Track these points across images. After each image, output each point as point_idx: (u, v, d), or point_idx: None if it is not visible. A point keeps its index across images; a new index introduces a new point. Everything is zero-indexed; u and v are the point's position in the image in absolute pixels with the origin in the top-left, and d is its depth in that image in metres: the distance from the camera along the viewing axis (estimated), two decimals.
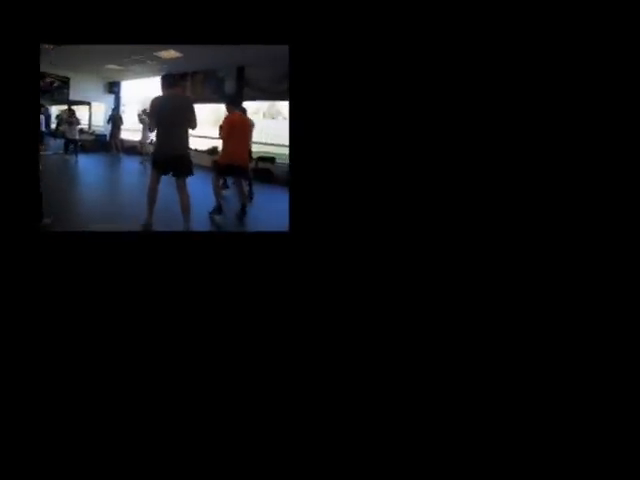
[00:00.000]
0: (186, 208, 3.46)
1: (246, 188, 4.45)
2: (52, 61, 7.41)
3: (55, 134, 9.22)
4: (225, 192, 4.91)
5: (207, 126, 5.27)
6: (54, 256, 2.33)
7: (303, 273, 2.37)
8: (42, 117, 8.52)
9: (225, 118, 4.42)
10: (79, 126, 8.46)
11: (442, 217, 2.35)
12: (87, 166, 7.62)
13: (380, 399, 2.33)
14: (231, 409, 2.32)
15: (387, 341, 2.35)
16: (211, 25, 2.33)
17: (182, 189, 3.52)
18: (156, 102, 3.62)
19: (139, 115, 8.26)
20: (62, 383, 2.29)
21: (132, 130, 9.65)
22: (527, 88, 2.30)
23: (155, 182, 3.56)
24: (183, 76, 3.69)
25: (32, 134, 2.39)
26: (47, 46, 6.88)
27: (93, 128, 11.11)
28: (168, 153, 3.53)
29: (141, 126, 8.29)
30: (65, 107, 8.51)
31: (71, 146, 8.04)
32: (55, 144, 9.13)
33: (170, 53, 6.43)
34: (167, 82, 3.78)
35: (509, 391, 2.31)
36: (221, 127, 4.42)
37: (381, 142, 2.39)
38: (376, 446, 2.28)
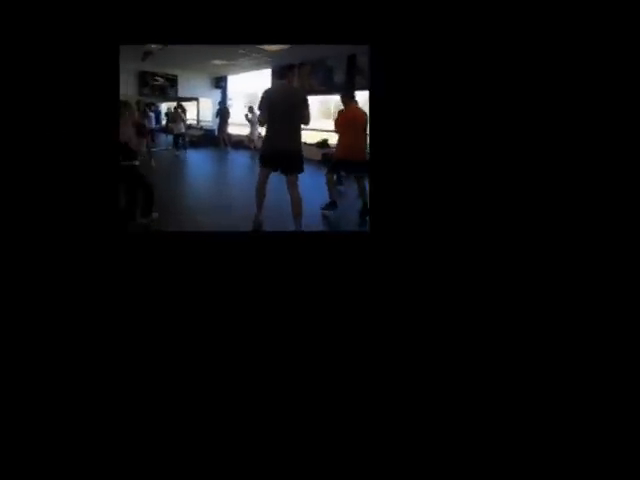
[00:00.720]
0: (298, 212, 3.30)
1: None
2: (158, 61, 7.68)
3: (165, 130, 9.54)
4: (340, 188, 4.74)
5: (316, 118, 5.11)
6: (140, 258, 2.28)
7: (383, 273, 2.25)
8: (152, 114, 8.89)
9: (340, 111, 4.22)
10: (186, 122, 8.68)
11: (526, 218, 2.20)
12: (195, 160, 7.65)
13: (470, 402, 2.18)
14: (330, 410, 2.23)
15: (470, 342, 2.21)
16: (291, 25, 2.25)
17: (293, 188, 3.25)
18: (266, 95, 3.39)
19: (245, 115, 8.30)
20: (168, 384, 2.23)
21: (239, 124, 9.90)
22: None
23: (264, 179, 3.39)
24: (291, 67, 3.43)
25: (110, 140, 2.33)
26: (154, 46, 6.98)
27: (202, 123, 11.42)
28: (278, 149, 3.34)
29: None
30: (174, 104, 8.74)
31: (180, 141, 8.40)
32: (165, 140, 9.45)
33: (275, 45, 6.37)
34: (278, 73, 3.60)
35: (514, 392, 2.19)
36: (336, 120, 4.21)
37: (464, 141, 2.25)
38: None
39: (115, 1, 2.18)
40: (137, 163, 3.63)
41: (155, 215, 3.64)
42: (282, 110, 3.32)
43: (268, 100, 3.37)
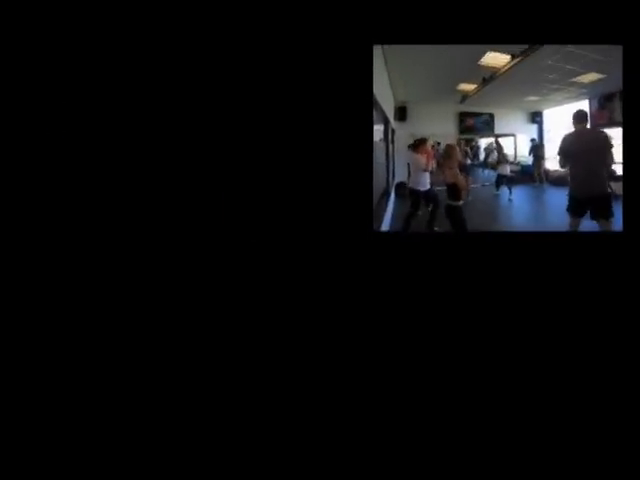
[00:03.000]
0: None
1: None
2: (474, 103, 8.23)
3: (484, 165, 9.96)
4: None
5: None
6: (386, 258, 2.33)
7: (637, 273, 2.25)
8: (468, 150, 9.38)
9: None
10: (508, 162, 8.38)
11: None
12: (504, 196, 7.83)
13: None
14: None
15: None
16: (546, 25, 2.26)
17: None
18: (567, 139, 3.39)
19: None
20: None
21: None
22: None
23: (575, 226, 3.30)
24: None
25: (367, 140, 2.35)
26: (472, 89, 7.52)
27: (518, 159, 11.57)
28: (584, 194, 3.28)
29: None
30: (491, 139, 9.24)
31: (503, 181, 8.11)
32: (482, 175, 9.89)
33: (590, 76, 6.39)
34: (578, 117, 3.46)
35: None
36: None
37: None
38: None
39: (369, 2, 2.24)
40: (460, 204, 3.78)
41: None
42: (583, 153, 3.28)
43: (567, 144, 3.39)
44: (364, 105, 2.29)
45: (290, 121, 2.29)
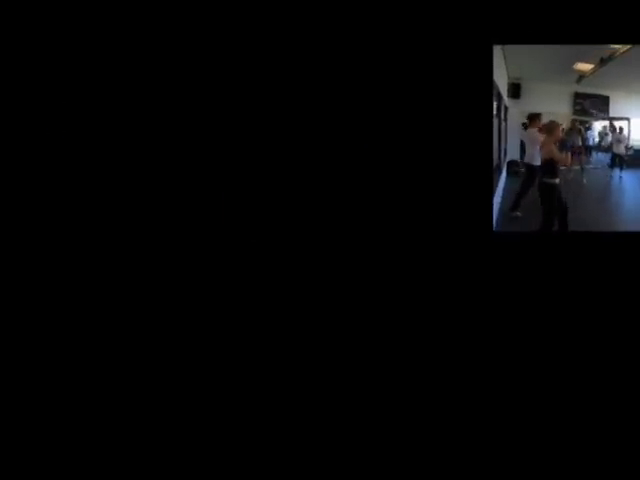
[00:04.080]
0: None
1: None
2: (591, 83, 8.07)
3: (599, 148, 9.74)
4: None
5: None
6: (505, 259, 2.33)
7: None
8: (588, 132, 9.22)
9: None
10: (626, 143, 8.42)
11: None
12: (626, 179, 7.74)
13: None
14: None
15: None
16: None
17: None
18: None
19: None
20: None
21: None
22: None
23: None
24: None
25: (487, 142, 2.35)
26: (589, 69, 7.40)
27: (632, 143, 11.18)
28: None
29: None
30: (606, 123, 9.01)
31: (617, 160, 8.19)
32: (597, 158, 9.64)
33: None
34: None
35: None
36: None
37: None
38: None
39: (490, 2, 2.28)
40: (557, 182, 3.83)
41: None
42: None
43: None
44: (484, 107, 2.31)
45: (409, 120, 2.32)
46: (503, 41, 2.37)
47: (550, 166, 3.87)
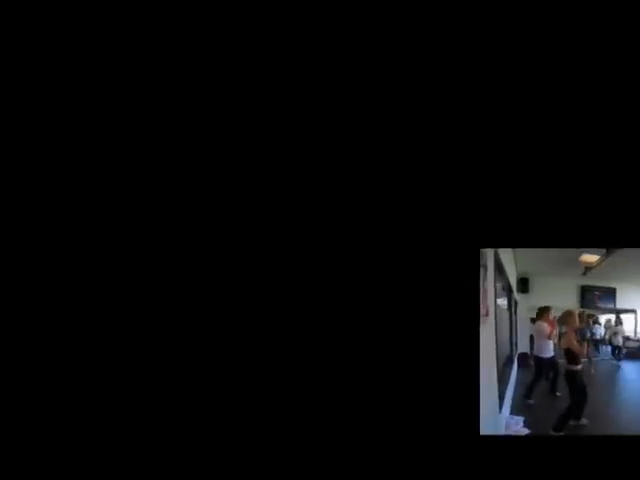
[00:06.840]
0: None
1: None
2: (598, 275, 8.25)
3: (604, 341, 9.74)
4: None
5: None
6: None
7: None
8: (597, 326, 9.28)
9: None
10: (624, 334, 8.77)
11: None
12: (630, 372, 7.81)
13: None
14: None
15: None
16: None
17: None
18: None
19: None
20: None
21: None
22: None
23: None
24: None
25: (473, 346, 2.29)
26: (595, 261, 7.61)
27: (638, 335, 11.20)
28: None
29: None
30: (611, 315, 9.09)
31: (616, 352, 8.50)
32: (604, 350, 9.62)
33: None
34: None
35: None
36: None
37: None
38: None
39: (476, 207, 2.22)
40: (579, 368, 3.94)
41: (584, 421, 3.83)
42: None
43: None
44: (471, 310, 2.28)
45: (396, 330, 2.28)
46: (491, 245, 2.35)
47: (571, 353, 3.96)
